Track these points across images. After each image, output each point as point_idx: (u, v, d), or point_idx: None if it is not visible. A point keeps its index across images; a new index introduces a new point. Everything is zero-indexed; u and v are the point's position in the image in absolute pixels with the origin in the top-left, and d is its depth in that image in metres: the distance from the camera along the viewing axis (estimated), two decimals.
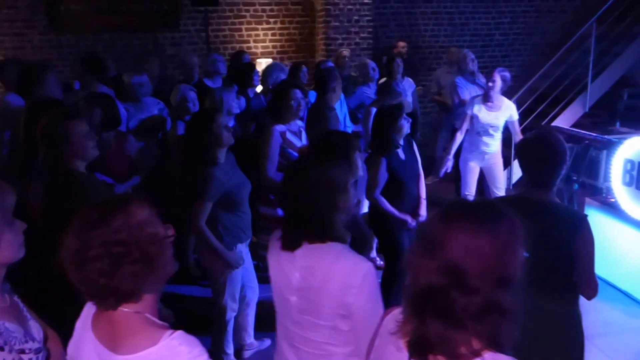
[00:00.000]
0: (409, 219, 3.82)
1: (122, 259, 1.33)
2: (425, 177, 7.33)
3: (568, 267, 2.33)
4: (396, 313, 1.37)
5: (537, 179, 2.43)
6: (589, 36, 7.54)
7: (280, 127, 3.88)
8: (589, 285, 2.38)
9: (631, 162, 4.68)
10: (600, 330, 4.21)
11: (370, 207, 3.97)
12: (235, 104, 4.44)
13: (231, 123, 4.25)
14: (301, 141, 3.99)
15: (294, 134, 3.96)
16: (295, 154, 3.84)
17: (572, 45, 7.79)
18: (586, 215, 2.38)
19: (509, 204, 2.46)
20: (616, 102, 7.74)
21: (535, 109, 7.70)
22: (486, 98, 5.26)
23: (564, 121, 7.71)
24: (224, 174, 3.08)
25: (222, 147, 3.09)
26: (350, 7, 7.40)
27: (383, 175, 3.74)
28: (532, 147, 2.45)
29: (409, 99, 6.74)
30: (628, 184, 4.70)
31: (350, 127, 5.32)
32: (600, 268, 4.80)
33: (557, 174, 2.40)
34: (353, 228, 2.31)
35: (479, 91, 5.89)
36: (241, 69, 5.04)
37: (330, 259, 1.77)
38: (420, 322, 1.23)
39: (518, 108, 7.18)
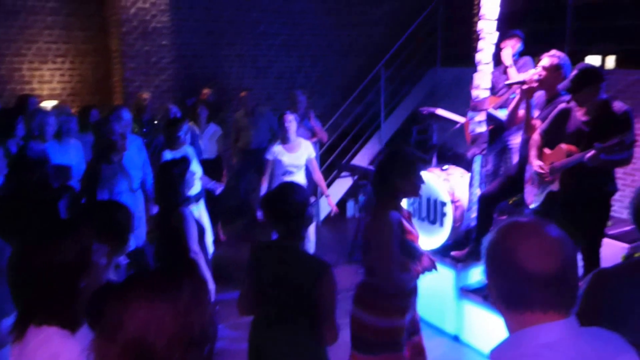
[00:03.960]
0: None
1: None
2: (234, 221, 7.44)
3: (312, 311, 2.47)
4: None
5: (286, 230, 2.59)
6: (380, 78, 8.19)
7: (395, 214, 2.93)
8: (329, 330, 2.49)
9: None
10: None
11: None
12: None
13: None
14: (413, 227, 3.12)
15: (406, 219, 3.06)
16: (418, 247, 3.05)
17: (366, 87, 8.38)
18: (329, 264, 2.51)
19: (262, 249, 2.68)
20: (407, 137, 8.34)
21: (339, 145, 8.13)
22: (284, 140, 5.36)
23: (364, 156, 8.25)
24: None
25: None
26: (147, 48, 7.18)
27: (195, 226, 3.59)
28: (273, 203, 2.60)
29: (213, 145, 6.73)
30: (412, 216, 5.02)
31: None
32: None
33: (301, 225, 2.59)
34: None
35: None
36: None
37: (35, 343, 1.62)
38: None
39: (322, 146, 7.54)
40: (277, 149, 5.34)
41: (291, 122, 5.33)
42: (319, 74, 8.88)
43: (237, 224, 7.45)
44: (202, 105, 6.77)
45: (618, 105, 3.70)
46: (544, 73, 4.16)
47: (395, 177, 2.88)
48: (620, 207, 6.12)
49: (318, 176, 5.59)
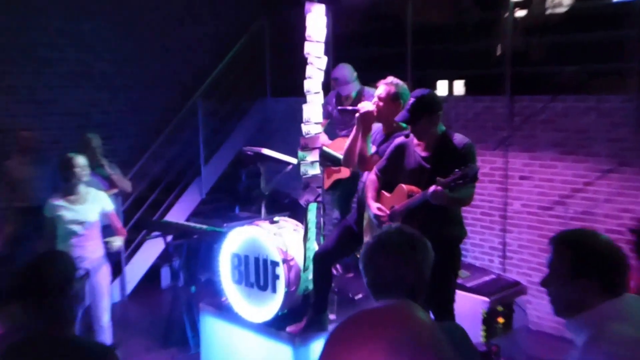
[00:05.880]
0: None
1: None
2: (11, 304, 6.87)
3: None
4: None
5: (47, 316, 2.47)
6: (197, 112, 8.20)
7: None
8: None
9: (237, 256, 4.99)
10: None
11: None
12: None
13: None
14: None
15: None
16: None
17: (181, 123, 8.29)
18: (112, 348, 2.46)
19: (18, 349, 2.45)
20: (235, 183, 8.41)
21: (148, 197, 7.93)
22: (67, 191, 5.23)
23: (180, 210, 8.12)
24: None
25: None
26: None
27: None
28: (27, 281, 2.48)
29: None
30: (238, 282, 4.99)
31: None
32: None
33: (67, 307, 2.49)
34: None
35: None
36: None
37: None
38: None
39: (128, 197, 7.26)
40: (58, 203, 5.19)
41: (79, 167, 5.19)
42: (121, 110, 8.64)
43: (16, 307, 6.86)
44: None
45: (459, 138, 3.96)
46: (380, 104, 4.35)
47: None
48: (479, 253, 6.57)
49: (120, 230, 5.55)
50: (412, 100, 3.96)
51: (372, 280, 2.24)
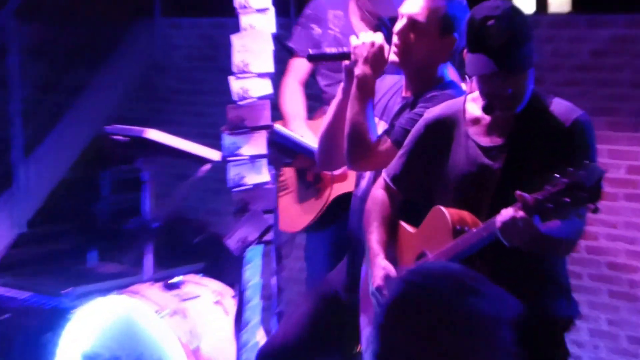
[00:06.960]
0: None
1: None
2: None
3: None
4: None
5: None
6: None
7: None
8: None
9: None
10: None
11: None
12: None
13: None
14: None
15: None
16: None
17: None
18: None
19: None
20: (91, 201, 8.67)
21: None
22: None
23: None
24: None
25: None
26: None
27: None
28: None
29: None
30: None
31: None
32: None
33: None
34: None
35: None
36: None
37: None
38: None
39: None
40: None
41: None
42: None
43: None
44: None
45: (562, 109, 3.97)
46: (410, 35, 4.41)
47: None
48: (608, 351, 6.30)
49: None
50: (491, 22, 3.75)
51: None
